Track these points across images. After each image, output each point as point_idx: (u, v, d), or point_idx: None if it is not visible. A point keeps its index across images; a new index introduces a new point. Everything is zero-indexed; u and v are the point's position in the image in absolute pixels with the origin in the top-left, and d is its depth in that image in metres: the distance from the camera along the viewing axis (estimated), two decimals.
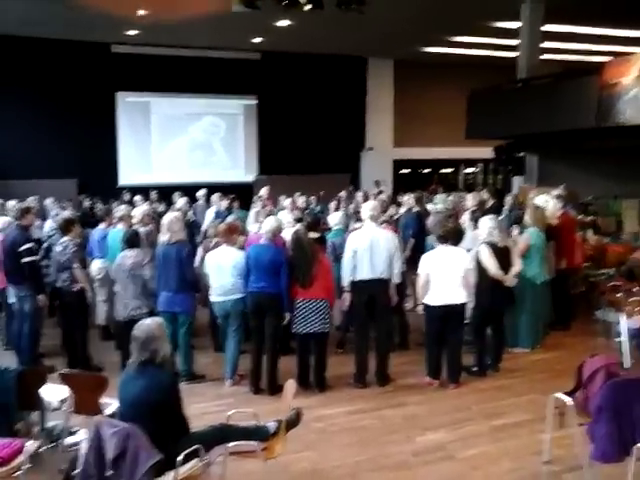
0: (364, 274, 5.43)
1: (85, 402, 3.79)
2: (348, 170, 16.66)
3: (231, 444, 3.42)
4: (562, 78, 11.43)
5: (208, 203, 10.36)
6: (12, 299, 6.26)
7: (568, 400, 3.84)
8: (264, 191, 10.75)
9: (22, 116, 13.85)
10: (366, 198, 9.55)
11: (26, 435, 3.68)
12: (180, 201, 9.43)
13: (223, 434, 3.47)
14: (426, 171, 18.90)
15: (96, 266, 6.90)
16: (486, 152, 14.24)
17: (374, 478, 4.03)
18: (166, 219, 5.74)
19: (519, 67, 12.55)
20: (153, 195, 11.47)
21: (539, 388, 5.26)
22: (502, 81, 12.98)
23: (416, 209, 8.21)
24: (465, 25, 13.19)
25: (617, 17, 12.19)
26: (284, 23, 12.39)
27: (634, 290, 6.48)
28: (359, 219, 6.38)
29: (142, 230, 6.41)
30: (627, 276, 6.99)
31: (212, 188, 11.38)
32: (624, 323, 5.95)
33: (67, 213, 6.91)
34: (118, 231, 6.55)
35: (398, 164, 18.08)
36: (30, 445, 3.41)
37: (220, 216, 8.45)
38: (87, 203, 10.51)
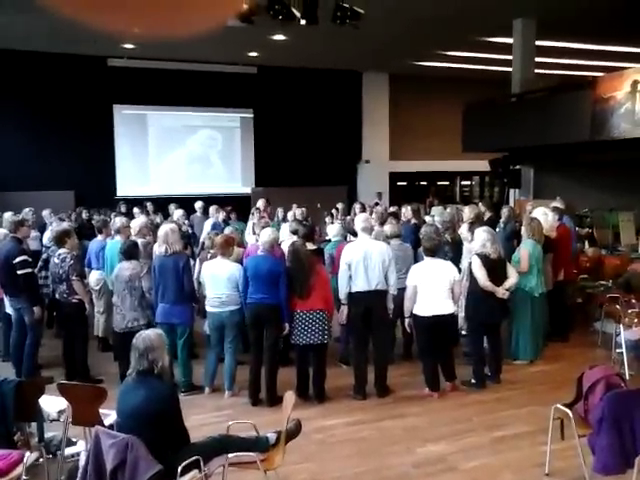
0: (359, 286, 5.44)
1: (84, 413, 3.76)
2: (345, 182, 16.74)
3: (231, 455, 3.40)
4: (556, 92, 11.54)
5: (205, 215, 10.37)
6: (9, 310, 6.23)
7: (568, 412, 3.84)
8: (261, 203, 10.77)
9: (20, 129, 13.87)
10: (363, 210, 9.58)
11: (24, 446, 3.64)
12: (176, 212, 9.43)
13: (223, 445, 3.45)
14: (423, 183, 18.98)
15: (94, 277, 6.89)
16: (482, 165, 14.32)
17: None
18: (162, 230, 5.73)
19: (513, 81, 12.68)
20: (149, 206, 11.48)
21: (539, 400, 5.25)
22: (497, 95, 13.11)
23: (414, 221, 8.23)
24: (459, 40, 13.33)
25: (608, 33, 12.36)
26: (280, 38, 12.50)
27: (633, 302, 6.50)
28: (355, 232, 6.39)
29: (140, 241, 6.40)
30: (624, 288, 7.01)
31: (209, 200, 11.41)
32: (623, 334, 5.97)
33: (65, 225, 6.89)
34: (116, 242, 6.54)
35: (394, 177, 18.17)
36: (29, 456, 3.38)
37: (217, 228, 8.45)
38: (85, 215, 10.49)
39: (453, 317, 5.54)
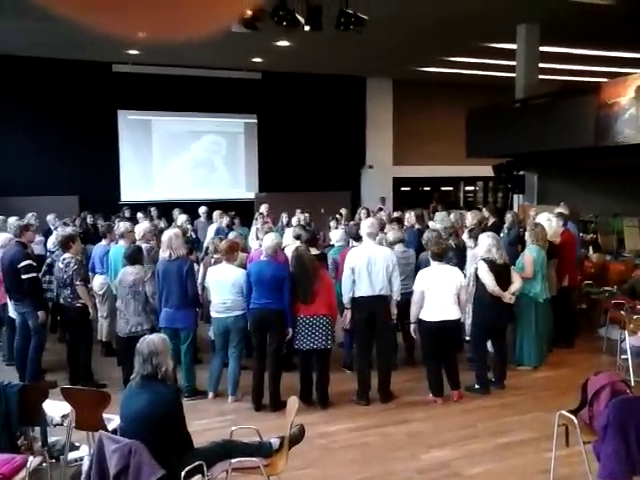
0: (363, 291, 5.43)
1: (87, 418, 3.76)
2: (348, 188, 16.74)
3: (234, 460, 3.39)
4: (560, 98, 11.54)
5: (209, 220, 10.39)
6: (13, 314, 6.25)
7: (573, 418, 3.82)
8: (264, 208, 10.79)
9: (25, 134, 13.93)
10: (368, 215, 9.57)
11: (28, 451, 3.64)
12: (180, 217, 9.45)
13: (226, 450, 3.44)
14: (426, 189, 18.98)
15: (97, 282, 6.90)
16: (486, 170, 14.31)
17: None
18: (165, 235, 5.74)
19: (517, 87, 12.68)
20: (153, 211, 11.51)
21: (544, 406, 5.23)
22: (501, 100, 13.11)
23: (417, 226, 8.23)
24: (462, 46, 13.34)
25: (612, 39, 12.35)
26: (284, 43, 12.53)
27: (638, 308, 6.48)
28: (359, 237, 6.39)
29: (144, 246, 6.41)
30: (629, 294, 7.00)
31: (213, 205, 11.43)
32: (628, 340, 5.94)
33: (69, 229, 6.91)
34: (120, 247, 6.56)
35: (398, 182, 18.17)
36: (32, 461, 3.38)
37: (221, 233, 8.46)
38: (90, 219, 10.52)
39: (458, 323, 5.53)
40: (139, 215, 10.29)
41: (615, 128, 9.70)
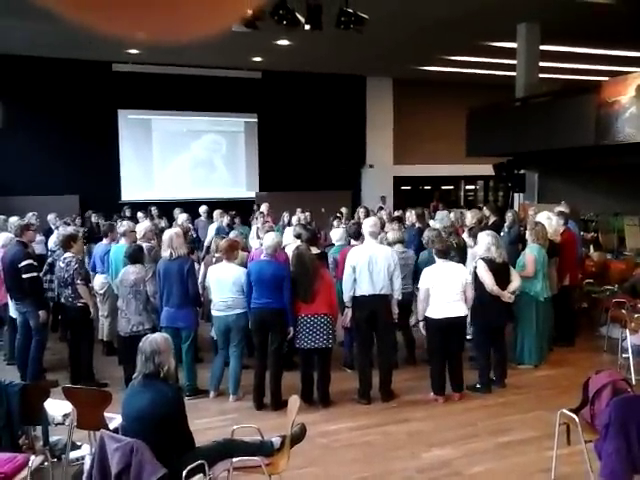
0: (364, 290, 5.43)
1: (89, 417, 3.76)
2: (349, 187, 16.75)
3: (235, 459, 3.39)
4: (560, 96, 11.54)
5: (210, 219, 10.39)
6: (14, 314, 6.25)
7: (575, 417, 3.82)
8: (264, 207, 10.78)
9: (25, 133, 13.93)
10: (367, 214, 9.57)
11: (29, 450, 3.64)
12: (181, 217, 9.46)
13: (227, 449, 3.45)
14: (427, 188, 18.98)
15: (98, 281, 6.90)
16: (486, 169, 14.31)
17: None
18: (166, 235, 5.74)
19: (517, 86, 12.67)
20: (154, 211, 11.51)
21: (545, 404, 5.23)
22: (501, 99, 13.10)
23: (418, 225, 8.23)
24: (463, 45, 13.33)
25: (613, 38, 12.35)
26: (284, 43, 12.53)
27: (639, 306, 6.48)
28: (357, 235, 6.40)
29: (145, 246, 6.42)
30: (630, 292, 6.99)
31: (213, 204, 11.43)
32: (629, 339, 5.94)
33: (70, 229, 6.92)
34: (121, 247, 6.56)
35: (399, 181, 18.17)
36: (33, 460, 3.38)
37: (221, 232, 8.46)
38: (94, 218, 10.51)
39: (465, 320, 5.51)
40: (139, 214, 10.29)
41: (616, 127, 9.70)
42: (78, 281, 5.82)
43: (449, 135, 16.34)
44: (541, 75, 12.81)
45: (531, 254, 6.40)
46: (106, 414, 3.75)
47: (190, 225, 9.33)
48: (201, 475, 3.17)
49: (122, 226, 6.94)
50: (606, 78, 11.55)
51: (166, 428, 3.15)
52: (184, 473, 3.05)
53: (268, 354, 5.37)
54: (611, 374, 3.94)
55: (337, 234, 7.07)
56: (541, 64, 12.64)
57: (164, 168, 15.76)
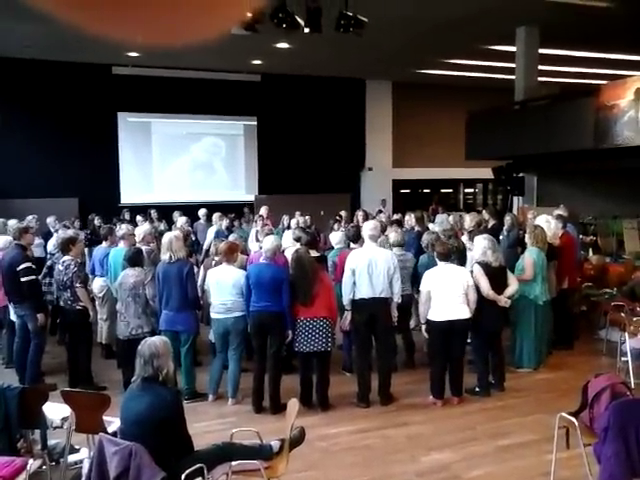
0: (363, 293, 5.43)
1: (87, 420, 3.76)
2: (348, 190, 16.75)
3: (234, 463, 3.39)
4: (559, 100, 11.56)
5: (209, 222, 10.39)
6: (13, 317, 6.25)
7: (574, 420, 3.81)
8: (263, 210, 10.79)
9: (24, 136, 13.93)
10: (366, 217, 9.58)
11: (28, 453, 3.64)
12: (180, 220, 9.45)
13: (226, 453, 3.44)
14: (426, 191, 18.99)
15: (97, 284, 6.89)
16: (485, 172, 14.33)
17: None
18: (166, 238, 5.74)
19: (516, 89, 12.69)
20: (153, 214, 11.51)
21: (544, 408, 5.22)
22: (500, 102, 13.12)
23: (417, 228, 8.24)
24: (462, 48, 13.36)
25: (612, 41, 12.38)
26: (284, 46, 12.55)
27: (638, 310, 6.48)
28: (357, 238, 6.41)
29: (144, 249, 6.41)
30: (629, 296, 7.00)
31: (213, 207, 11.43)
32: (628, 343, 5.94)
33: (70, 232, 6.91)
34: (120, 250, 6.55)
35: (398, 184, 18.18)
36: (32, 464, 3.37)
37: (220, 235, 8.46)
38: (97, 221, 10.49)
39: (468, 323, 5.46)
40: (138, 218, 10.28)
41: (614, 130, 9.72)
42: (77, 284, 5.81)
43: (448, 138, 16.36)
44: (540, 78, 12.84)
45: (530, 257, 6.40)
46: (105, 417, 3.74)
47: (189, 228, 9.32)
48: (200, 479, 3.17)
49: (121, 229, 6.93)
50: (605, 82, 11.57)
51: (165, 431, 3.14)
52: (183, 477, 3.04)
53: (267, 357, 5.37)
54: (610, 377, 3.93)
55: (336, 237, 7.08)
56: (540, 67, 12.67)
57: (163, 171, 15.76)
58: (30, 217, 8.84)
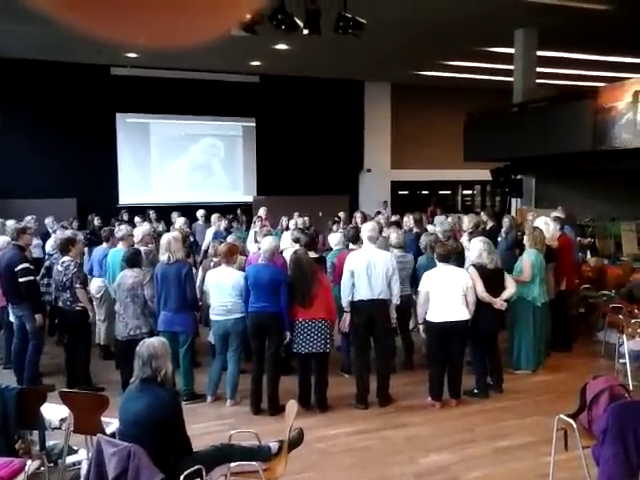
0: (362, 294, 5.43)
1: (85, 421, 3.75)
2: (347, 191, 16.75)
3: (233, 464, 3.38)
4: (557, 102, 11.59)
5: (207, 223, 10.38)
6: (12, 318, 6.24)
7: (572, 422, 3.82)
8: (262, 211, 10.78)
9: (23, 136, 13.92)
10: (364, 218, 9.58)
11: (26, 454, 3.62)
12: (179, 220, 9.45)
13: (225, 454, 3.43)
14: (424, 192, 19.01)
15: (95, 285, 6.88)
16: (484, 174, 14.35)
17: None
18: (164, 239, 5.74)
19: (515, 91, 12.72)
20: (152, 215, 11.50)
21: (543, 409, 5.23)
22: (498, 104, 13.15)
23: (416, 230, 8.24)
24: (460, 50, 13.38)
25: (609, 44, 12.41)
26: (282, 47, 12.56)
27: (636, 312, 6.49)
28: (356, 240, 6.41)
29: (143, 250, 6.41)
30: (627, 298, 7.01)
31: (211, 208, 11.43)
32: (626, 345, 5.95)
33: (68, 232, 6.91)
34: (118, 251, 6.55)
35: (396, 185, 18.19)
36: (30, 465, 3.37)
37: (219, 236, 8.45)
38: (97, 222, 10.46)
39: (467, 324, 5.44)
40: (137, 219, 10.27)
41: (612, 132, 9.74)
42: (77, 285, 5.80)
43: (447, 140, 16.39)
44: (538, 81, 12.86)
45: (528, 259, 6.41)
46: (103, 418, 3.73)
47: (188, 230, 9.32)
48: None
49: (120, 230, 6.93)
50: (603, 84, 11.59)
51: (163, 433, 3.14)
52: (181, 478, 3.04)
53: (265, 358, 5.36)
54: (608, 380, 3.94)
55: (335, 238, 7.07)
56: (538, 70, 12.70)
57: (162, 172, 15.76)
58: (28, 217, 8.83)
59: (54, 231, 8.67)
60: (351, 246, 6.59)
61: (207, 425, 5.01)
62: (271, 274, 5.33)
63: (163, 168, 15.78)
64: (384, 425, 5.12)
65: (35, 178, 13.67)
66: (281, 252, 6.38)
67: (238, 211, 12.18)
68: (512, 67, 12.81)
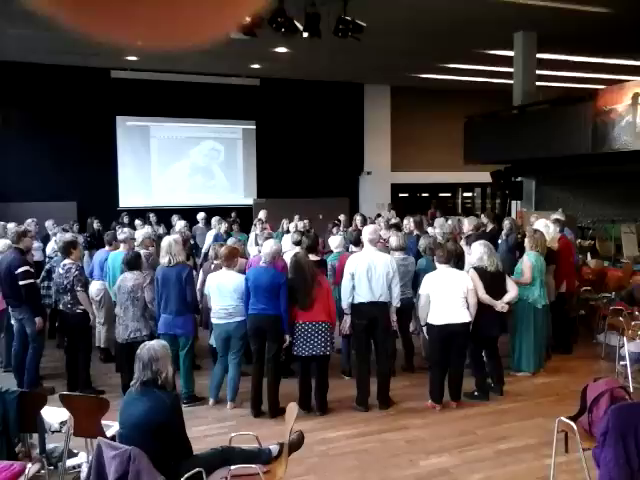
0: (363, 297, 5.43)
1: (86, 424, 3.75)
2: (347, 194, 16.77)
3: (233, 467, 3.37)
4: (557, 105, 11.61)
5: (208, 226, 10.39)
6: (12, 321, 6.24)
7: (573, 424, 3.82)
8: (262, 214, 10.79)
9: (23, 140, 13.94)
10: (364, 221, 9.59)
11: (26, 458, 3.62)
12: (179, 223, 9.45)
13: (225, 457, 3.43)
14: (424, 195, 19.02)
15: (94, 288, 6.88)
16: (484, 176, 14.36)
17: None
18: (165, 241, 5.74)
19: (515, 94, 12.74)
20: (152, 217, 11.51)
21: (543, 412, 5.23)
22: (498, 107, 13.18)
23: (416, 232, 8.24)
24: (460, 53, 13.40)
25: (609, 46, 12.43)
26: (282, 50, 12.59)
27: (636, 314, 6.49)
28: (358, 242, 6.41)
29: (143, 252, 6.41)
30: (628, 300, 7.01)
31: (211, 211, 11.43)
32: (627, 347, 5.95)
33: (68, 235, 6.91)
34: (119, 253, 6.55)
35: (396, 188, 18.20)
36: (30, 468, 3.36)
37: (219, 239, 8.46)
38: (96, 225, 10.47)
39: (468, 327, 5.43)
40: (137, 222, 10.28)
41: (612, 135, 9.76)
42: (78, 288, 5.81)
43: (447, 142, 16.41)
44: (538, 83, 12.89)
45: (528, 261, 6.41)
46: (103, 421, 3.73)
47: (189, 232, 9.32)
48: None
49: (122, 233, 6.93)
50: (603, 86, 11.61)
51: (164, 435, 3.14)
52: None
53: (265, 361, 5.36)
54: (609, 382, 3.94)
55: (335, 241, 7.08)
56: (538, 72, 12.72)
57: (162, 175, 15.77)
58: (29, 220, 8.84)
59: (54, 234, 8.67)
60: (352, 248, 6.59)
61: (207, 428, 5.01)
62: (271, 277, 5.33)
63: (163, 171, 15.79)
64: (385, 427, 5.11)
65: (35, 181, 13.68)
66: (281, 255, 6.37)
67: (233, 214, 12.11)
68: (512, 70, 12.82)
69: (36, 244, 8.37)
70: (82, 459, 4.07)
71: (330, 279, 6.23)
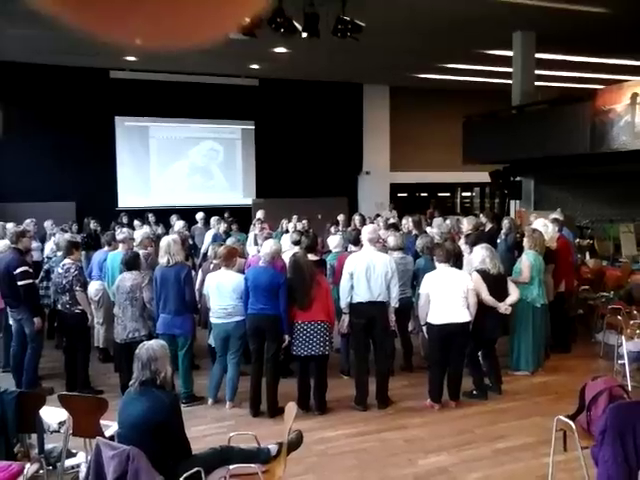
0: (361, 296, 5.43)
1: (84, 424, 3.75)
2: (345, 194, 16.76)
3: (232, 467, 3.38)
4: (556, 104, 11.61)
5: (206, 226, 10.39)
6: (11, 321, 6.24)
7: (571, 423, 3.82)
8: (260, 214, 10.79)
9: (22, 140, 13.91)
10: (363, 221, 9.59)
11: (25, 458, 3.62)
12: (178, 224, 9.45)
13: (224, 456, 3.43)
14: (423, 195, 19.01)
15: (93, 288, 6.88)
16: (482, 176, 14.36)
17: None
18: (164, 241, 5.74)
19: (513, 94, 12.75)
20: (151, 218, 11.51)
21: (542, 411, 5.24)
22: (497, 106, 13.17)
23: (415, 232, 8.24)
24: (459, 53, 13.41)
25: (608, 46, 12.44)
26: (281, 50, 12.59)
27: (634, 313, 6.50)
28: (357, 242, 6.42)
29: (141, 252, 6.41)
30: (626, 299, 7.02)
31: (210, 211, 11.43)
32: (625, 346, 5.96)
33: (68, 235, 6.91)
34: (118, 254, 6.55)
35: (395, 188, 18.20)
36: (29, 468, 3.36)
37: (218, 239, 8.46)
38: (93, 225, 10.47)
39: (468, 326, 5.43)
40: (136, 222, 10.28)
41: (611, 135, 9.76)
42: (77, 288, 5.81)
43: (445, 142, 16.41)
44: (537, 83, 12.89)
45: (527, 260, 6.42)
46: (102, 421, 3.73)
47: (187, 233, 9.32)
48: None
49: (122, 233, 6.93)
50: (601, 86, 11.62)
51: (162, 435, 3.14)
52: None
53: (264, 361, 5.36)
54: (607, 380, 3.94)
55: (334, 241, 7.08)
56: (537, 72, 12.73)
57: (161, 175, 15.77)
58: (28, 221, 8.84)
59: (53, 234, 8.67)
60: (351, 248, 6.59)
61: (206, 427, 5.01)
62: (270, 277, 5.33)
63: (162, 171, 15.79)
64: (383, 427, 5.12)
65: (34, 181, 13.66)
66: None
67: (226, 214, 12.06)
68: (511, 70, 12.82)
69: (35, 244, 8.37)
70: (81, 459, 4.07)
71: (329, 279, 6.23)
